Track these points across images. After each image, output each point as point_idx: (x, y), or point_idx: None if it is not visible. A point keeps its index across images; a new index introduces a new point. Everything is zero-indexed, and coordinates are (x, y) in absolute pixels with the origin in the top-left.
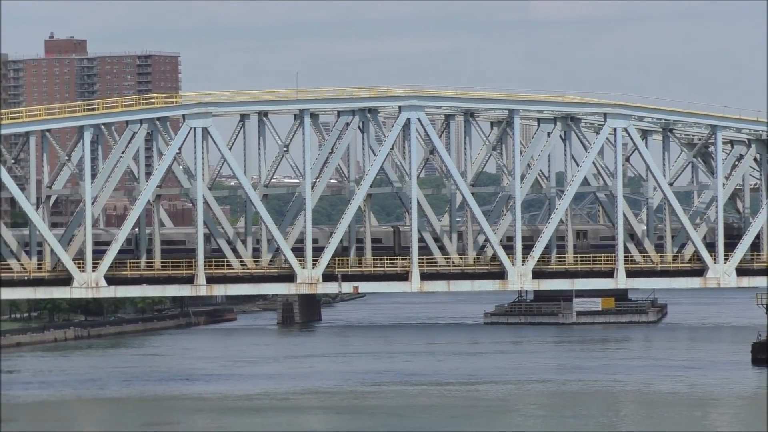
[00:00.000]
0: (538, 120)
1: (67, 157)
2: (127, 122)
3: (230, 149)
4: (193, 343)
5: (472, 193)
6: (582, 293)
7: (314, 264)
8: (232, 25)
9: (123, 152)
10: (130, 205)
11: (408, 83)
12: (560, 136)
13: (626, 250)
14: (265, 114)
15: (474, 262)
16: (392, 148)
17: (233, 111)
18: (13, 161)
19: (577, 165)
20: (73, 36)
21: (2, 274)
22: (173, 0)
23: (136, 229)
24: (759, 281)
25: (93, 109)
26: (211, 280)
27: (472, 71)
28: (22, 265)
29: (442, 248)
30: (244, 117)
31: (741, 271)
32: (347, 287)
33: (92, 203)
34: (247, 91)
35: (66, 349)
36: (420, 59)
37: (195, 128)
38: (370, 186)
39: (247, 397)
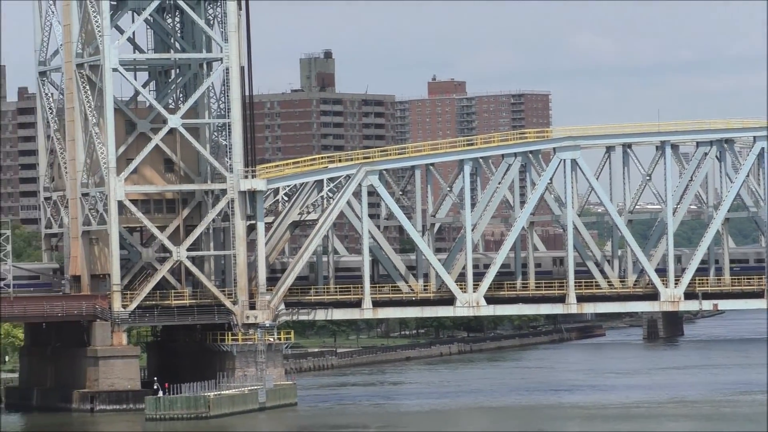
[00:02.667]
0: None
1: (449, 188)
2: (502, 155)
3: (597, 178)
4: (565, 357)
5: None
6: None
7: (676, 283)
8: (601, 65)
9: (499, 183)
10: (506, 231)
11: (763, 115)
12: None
13: None
14: (629, 146)
15: None
16: (748, 176)
17: (599, 144)
18: (400, 193)
19: None
20: (453, 78)
21: (392, 295)
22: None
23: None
24: None
25: (472, 145)
26: (581, 299)
27: None
28: (410, 286)
29: None
30: (609, 149)
31: None
32: (707, 305)
33: (472, 230)
34: (612, 125)
35: (450, 363)
36: None
37: (565, 160)
38: (728, 211)
39: (616, 406)
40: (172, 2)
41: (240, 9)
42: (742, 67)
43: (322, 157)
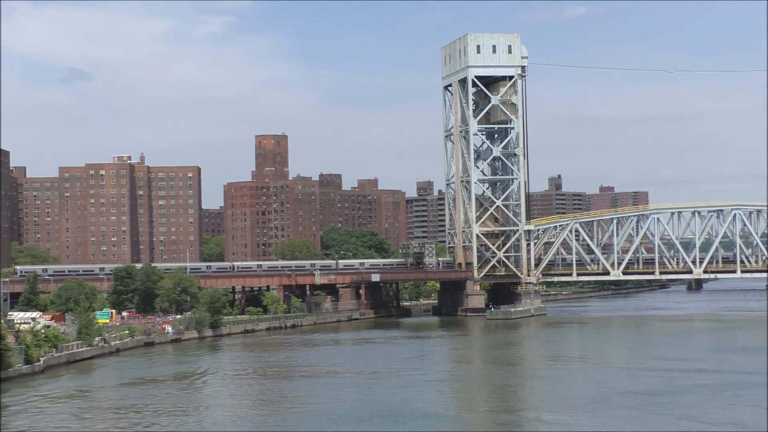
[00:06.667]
0: None
1: (607, 229)
2: (630, 216)
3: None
4: (656, 297)
5: None
6: None
7: None
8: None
9: (628, 227)
10: (629, 246)
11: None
12: None
13: None
14: None
15: None
16: None
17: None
18: (589, 230)
19: None
20: (608, 184)
21: (585, 271)
22: None
23: None
24: None
25: (615, 210)
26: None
27: None
28: (592, 267)
29: None
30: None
31: None
32: None
33: (618, 244)
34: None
35: (606, 299)
36: None
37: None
38: None
39: (681, 316)
40: (498, 156)
41: (525, 157)
42: None
43: (555, 216)
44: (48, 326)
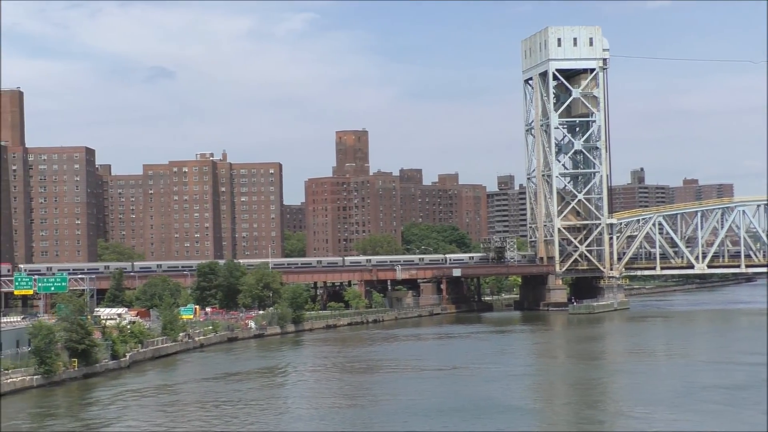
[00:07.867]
0: None
1: (691, 222)
2: (714, 209)
3: None
4: (741, 290)
5: None
6: None
7: None
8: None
9: (713, 219)
10: (714, 239)
11: None
12: None
13: None
14: None
15: None
16: None
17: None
18: (672, 223)
19: None
20: (694, 177)
21: (668, 265)
22: None
23: None
24: None
25: (700, 203)
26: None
27: None
28: (675, 261)
29: None
30: None
31: None
32: None
33: (702, 238)
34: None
35: (690, 293)
36: None
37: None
38: None
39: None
40: (580, 149)
41: (607, 150)
42: None
43: (638, 210)
44: (133, 322)
